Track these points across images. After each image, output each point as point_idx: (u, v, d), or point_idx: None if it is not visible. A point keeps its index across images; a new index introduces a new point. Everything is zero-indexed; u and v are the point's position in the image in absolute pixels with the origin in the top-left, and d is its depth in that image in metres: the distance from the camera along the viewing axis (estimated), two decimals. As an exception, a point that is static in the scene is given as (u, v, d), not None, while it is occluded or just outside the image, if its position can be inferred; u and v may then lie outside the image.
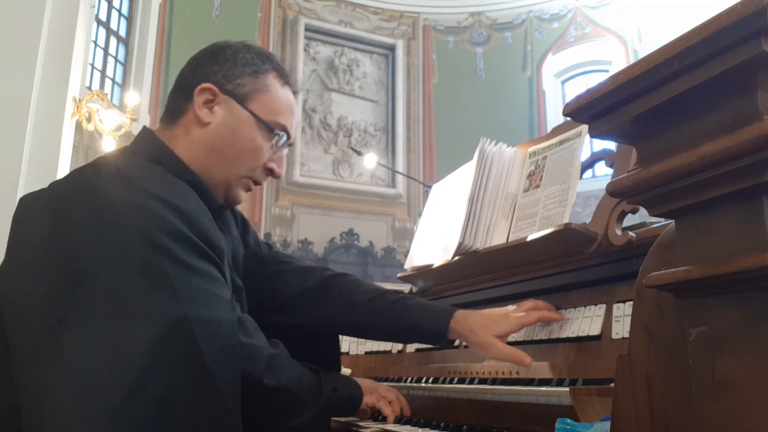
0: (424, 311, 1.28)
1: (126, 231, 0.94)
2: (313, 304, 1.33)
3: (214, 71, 1.16)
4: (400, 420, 1.35)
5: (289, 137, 1.21)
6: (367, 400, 1.27)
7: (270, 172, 1.21)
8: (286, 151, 1.24)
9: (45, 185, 1.10)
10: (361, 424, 1.31)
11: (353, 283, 1.36)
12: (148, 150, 1.13)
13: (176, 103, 1.18)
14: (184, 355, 0.91)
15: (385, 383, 1.58)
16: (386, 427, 1.26)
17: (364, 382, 1.30)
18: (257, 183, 1.22)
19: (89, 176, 1.02)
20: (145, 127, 1.20)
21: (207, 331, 0.93)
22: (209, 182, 1.15)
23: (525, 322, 1.18)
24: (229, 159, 1.15)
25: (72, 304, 0.90)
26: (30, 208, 1.04)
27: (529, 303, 1.22)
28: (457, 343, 1.51)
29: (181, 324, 0.91)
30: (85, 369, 0.87)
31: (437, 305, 1.31)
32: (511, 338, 1.33)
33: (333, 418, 1.32)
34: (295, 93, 1.25)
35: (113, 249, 0.93)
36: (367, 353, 1.89)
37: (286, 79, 1.22)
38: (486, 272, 1.46)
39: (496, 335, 1.18)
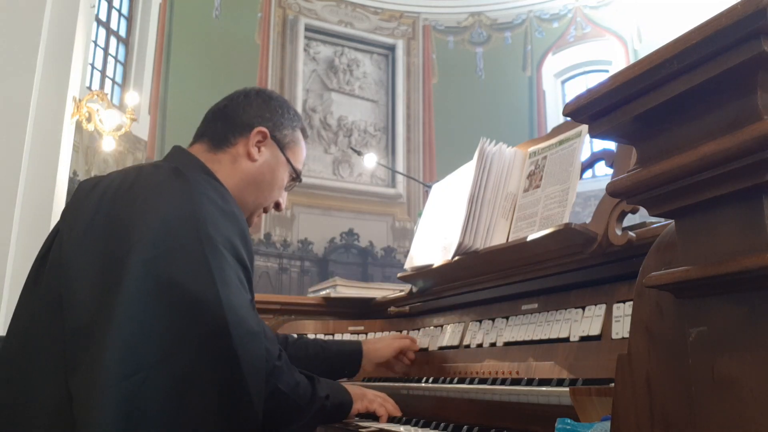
0: (339, 342, 1.67)
1: (176, 215, 1.07)
2: None
3: (266, 117, 1.37)
4: (400, 420, 1.35)
5: (300, 181, 1.48)
6: (359, 406, 1.34)
7: (276, 206, 1.45)
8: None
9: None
10: (361, 423, 1.31)
11: (281, 334, 1.63)
12: (191, 165, 1.25)
13: (225, 132, 1.34)
14: (213, 332, 1.01)
15: (384, 384, 1.58)
16: (386, 427, 1.26)
17: (352, 389, 1.35)
18: (266, 212, 1.43)
19: (150, 171, 1.18)
20: (179, 147, 1.35)
21: (235, 315, 1.03)
22: (241, 207, 1.28)
23: (399, 337, 1.66)
24: (263, 192, 1.36)
25: (120, 273, 1.00)
26: (91, 191, 1.16)
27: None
28: (457, 342, 1.51)
29: (214, 303, 1.01)
30: (128, 332, 0.97)
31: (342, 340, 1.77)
32: (511, 339, 1.34)
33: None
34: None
35: (162, 228, 1.06)
36: (367, 353, 1.89)
37: (306, 135, 1.48)
38: (486, 272, 1.46)
39: (389, 342, 1.64)
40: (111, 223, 1.08)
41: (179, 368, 0.98)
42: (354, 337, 1.94)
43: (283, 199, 1.44)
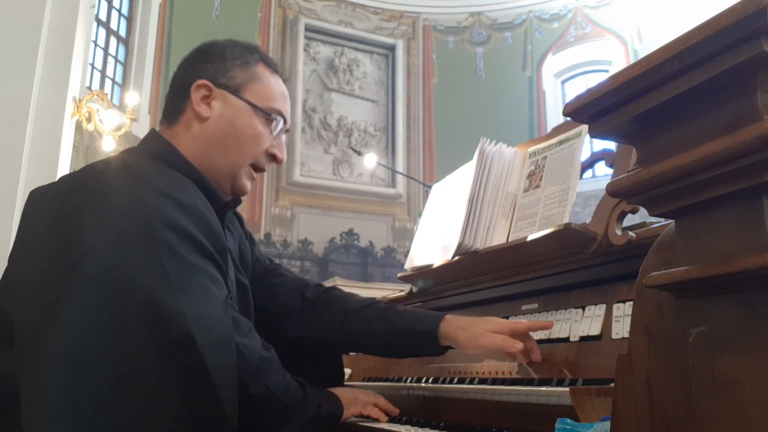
0: (414, 315, 1.31)
1: (127, 220, 0.95)
2: (312, 316, 1.35)
3: (206, 68, 1.20)
4: (400, 420, 1.35)
5: (285, 122, 1.25)
6: (353, 411, 1.27)
7: (272, 158, 1.24)
8: (284, 138, 1.28)
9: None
10: (360, 423, 1.31)
11: (345, 294, 1.40)
12: (153, 149, 1.16)
13: (174, 103, 1.21)
14: (177, 345, 0.90)
15: (384, 384, 1.58)
16: (386, 427, 1.26)
17: (343, 394, 1.29)
18: (261, 170, 1.24)
19: (97, 170, 1.04)
20: (152, 129, 1.23)
21: (201, 323, 0.93)
22: (215, 175, 1.17)
23: (515, 327, 1.20)
24: (232, 149, 1.18)
25: (66, 287, 0.90)
26: (39, 199, 1.06)
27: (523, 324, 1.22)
28: (457, 343, 1.50)
29: (175, 314, 0.91)
30: (74, 353, 0.86)
31: (427, 311, 1.35)
32: (511, 338, 1.33)
33: None
34: (284, 81, 1.29)
35: (112, 236, 0.94)
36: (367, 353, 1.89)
37: (274, 67, 1.27)
38: (486, 272, 1.46)
39: (486, 329, 1.20)
40: (58, 234, 0.96)
41: (143, 387, 0.87)
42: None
43: (279, 148, 1.24)
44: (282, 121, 1.24)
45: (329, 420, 1.22)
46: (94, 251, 0.92)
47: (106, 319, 0.89)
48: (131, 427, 0.87)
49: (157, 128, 1.24)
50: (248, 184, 1.23)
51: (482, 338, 1.19)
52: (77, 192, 1.00)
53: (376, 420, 1.32)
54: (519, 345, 1.15)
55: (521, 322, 1.22)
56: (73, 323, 0.88)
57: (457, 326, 1.24)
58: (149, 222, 0.95)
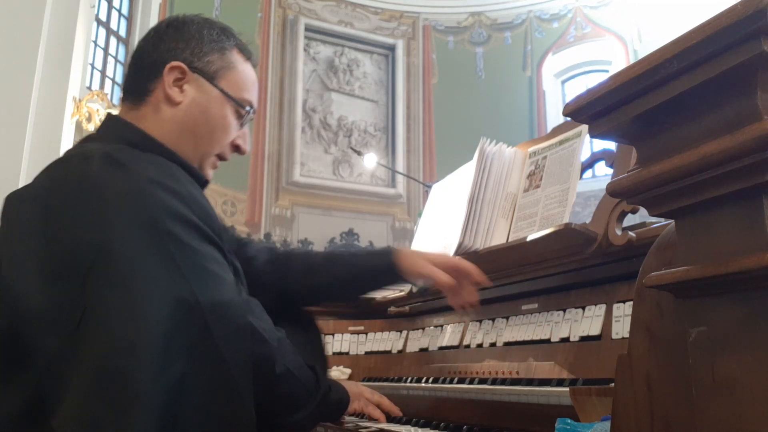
0: (368, 252, 1.45)
1: (129, 217, 0.92)
2: (280, 277, 1.36)
3: (180, 48, 1.14)
4: (400, 420, 1.35)
5: (254, 112, 1.22)
6: (356, 406, 1.27)
7: (236, 149, 1.21)
8: (246, 128, 1.24)
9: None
10: (361, 423, 1.31)
11: (306, 251, 1.51)
12: (122, 135, 1.09)
13: (140, 81, 1.14)
14: (195, 338, 0.91)
15: (383, 384, 1.58)
16: (386, 427, 1.26)
17: (350, 387, 1.28)
18: (224, 159, 1.21)
19: (79, 165, 0.99)
20: (110, 114, 1.17)
21: (217, 313, 0.93)
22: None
23: (460, 265, 1.34)
24: (202, 138, 1.14)
25: (86, 298, 0.88)
26: (19, 205, 1.00)
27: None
28: (457, 342, 1.51)
29: (191, 307, 0.91)
30: (106, 360, 0.86)
31: (371, 248, 1.50)
32: (511, 339, 1.33)
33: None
34: (254, 66, 1.26)
35: (118, 236, 0.91)
36: (367, 353, 1.89)
37: (247, 54, 1.22)
38: (486, 272, 1.46)
39: (427, 259, 1.35)
40: (56, 241, 0.92)
41: (173, 381, 0.88)
42: (354, 337, 1.93)
43: (243, 138, 1.21)
44: (252, 112, 1.20)
45: (337, 406, 1.20)
46: (103, 257, 0.90)
47: (128, 323, 0.88)
48: (166, 419, 0.87)
49: (120, 106, 1.18)
50: (211, 174, 1.19)
51: (420, 267, 1.33)
52: (66, 197, 0.96)
53: (376, 420, 1.32)
54: (447, 278, 1.31)
55: (466, 262, 1.36)
56: (99, 333, 0.87)
57: (403, 254, 1.36)
58: (152, 216, 0.93)
